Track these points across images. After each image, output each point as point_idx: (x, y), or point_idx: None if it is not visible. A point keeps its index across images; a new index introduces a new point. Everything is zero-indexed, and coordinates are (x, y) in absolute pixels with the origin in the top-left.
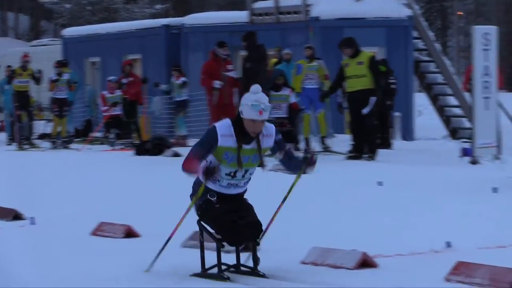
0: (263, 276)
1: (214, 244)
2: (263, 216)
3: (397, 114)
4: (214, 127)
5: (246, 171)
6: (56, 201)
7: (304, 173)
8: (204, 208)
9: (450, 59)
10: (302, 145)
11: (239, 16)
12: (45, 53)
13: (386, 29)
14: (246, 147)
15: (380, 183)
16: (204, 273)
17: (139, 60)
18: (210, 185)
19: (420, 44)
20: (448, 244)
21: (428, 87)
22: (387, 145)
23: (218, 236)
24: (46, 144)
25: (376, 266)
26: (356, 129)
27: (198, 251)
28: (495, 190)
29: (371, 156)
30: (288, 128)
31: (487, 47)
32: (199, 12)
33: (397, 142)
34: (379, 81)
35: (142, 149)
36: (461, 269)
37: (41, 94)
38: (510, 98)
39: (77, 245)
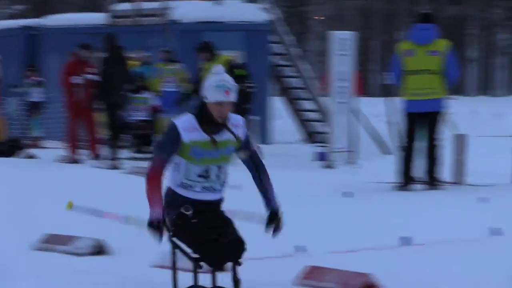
0: None
1: (188, 264)
2: None
3: (254, 117)
4: (173, 122)
5: (219, 168)
6: None
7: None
8: (178, 224)
9: (308, 64)
10: None
11: (99, 18)
12: None
13: (245, 33)
14: (219, 138)
15: (232, 187)
16: None
17: None
18: (183, 193)
19: (279, 48)
20: (299, 248)
21: (285, 91)
22: None
23: (195, 256)
24: None
25: (227, 270)
26: None
27: (169, 272)
28: (346, 194)
29: None
30: (147, 131)
31: (344, 52)
32: (59, 14)
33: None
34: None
35: None
36: (312, 273)
37: None
38: (367, 103)
39: None
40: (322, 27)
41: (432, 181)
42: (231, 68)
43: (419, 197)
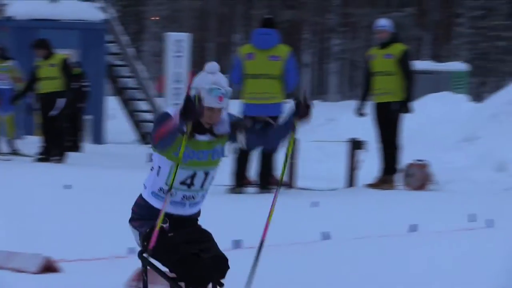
0: None
1: (164, 285)
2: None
3: (88, 117)
4: (167, 112)
5: (206, 175)
6: None
7: (296, 128)
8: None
9: (144, 64)
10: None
11: None
12: None
13: (80, 31)
14: (200, 138)
15: (67, 186)
16: None
17: None
18: (157, 204)
19: (114, 48)
20: (132, 250)
21: (120, 91)
22: (77, 148)
23: (173, 275)
24: None
25: (59, 271)
26: (46, 131)
27: None
28: None
29: (60, 158)
30: None
31: (179, 53)
32: None
33: (88, 145)
34: (69, 84)
35: None
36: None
37: None
38: None
39: None
40: (158, 28)
41: (265, 184)
42: (66, 67)
43: (252, 200)
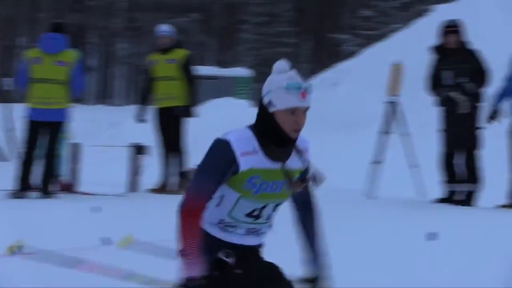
0: None
1: None
2: None
3: None
4: (227, 142)
5: (275, 207)
6: None
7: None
8: (214, 276)
9: None
10: None
11: None
12: None
13: None
14: (274, 166)
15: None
16: None
17: None
18: (220, 235)
19: None
20: None
21: None
22: None
23: None
24: None
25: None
26: None
27: None
28: None
29: None
30: None
31: None
32: None
33: None
34: None
35: None
36: None
37: None
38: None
39: None
40: None
41: (47, 189)
42: None
43: (34, 205)
